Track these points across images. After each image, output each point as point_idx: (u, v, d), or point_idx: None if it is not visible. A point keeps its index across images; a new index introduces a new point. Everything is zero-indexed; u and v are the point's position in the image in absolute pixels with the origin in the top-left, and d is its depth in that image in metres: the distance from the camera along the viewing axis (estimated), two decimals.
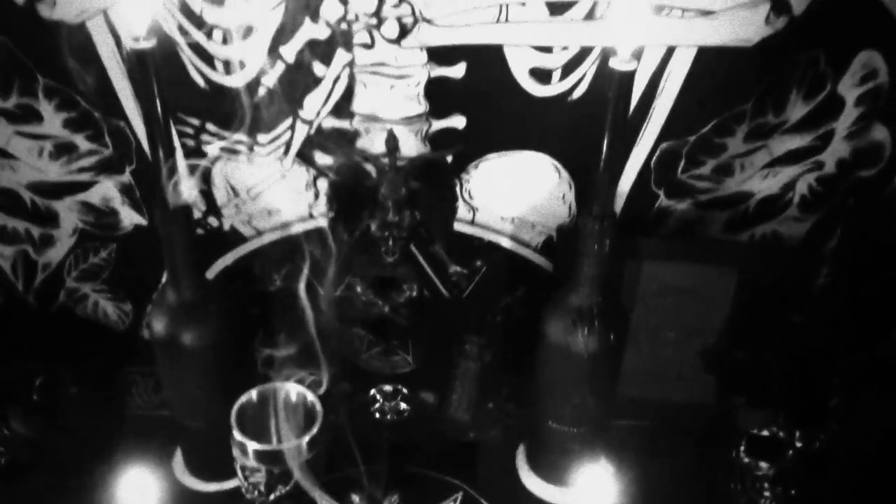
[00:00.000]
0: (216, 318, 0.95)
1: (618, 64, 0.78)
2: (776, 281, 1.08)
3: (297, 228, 1.11)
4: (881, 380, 1.03)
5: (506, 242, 1.13)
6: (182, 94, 0.99)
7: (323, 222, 1.09)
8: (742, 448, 1.01)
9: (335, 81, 0.99)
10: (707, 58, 0.98)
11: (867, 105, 1.05)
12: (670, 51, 0.98)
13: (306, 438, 0.84)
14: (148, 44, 0.78)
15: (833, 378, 1.03)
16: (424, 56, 0.98)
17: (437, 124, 1.02)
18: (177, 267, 0.93)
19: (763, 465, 0.99)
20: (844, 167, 1.09)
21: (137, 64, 0.81)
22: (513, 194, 1.10)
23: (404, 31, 0.96)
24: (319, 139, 1.03)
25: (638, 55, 0.79)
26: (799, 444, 0.98)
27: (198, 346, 0.93)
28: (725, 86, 1.01)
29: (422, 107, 1.01)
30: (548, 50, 0.98)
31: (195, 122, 1.03)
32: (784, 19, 0.96)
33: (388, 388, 1.06)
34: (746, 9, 0.95)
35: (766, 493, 0.98)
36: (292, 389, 0.89)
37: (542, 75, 0.99)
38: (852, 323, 1.14)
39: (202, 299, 0.94)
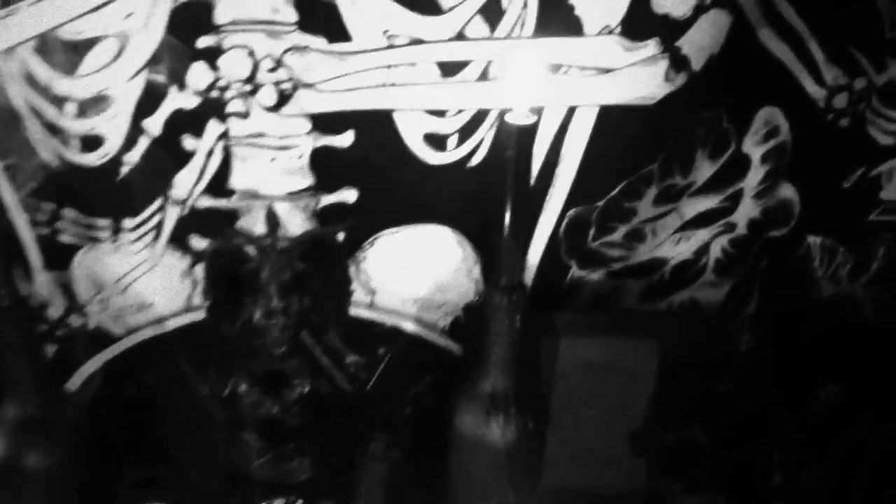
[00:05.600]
0: (71, 436, 0.82)
1: (515, 118, 0.73)
2: (698, 350, 1.05)
3: (174, 323, 1.01)
4: (820, 450, 0.98)
5: (409, 326, 1.06)
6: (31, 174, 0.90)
7: (202, 314, 0.99)
8: None
9: (209, 155, 0.92)
10: (610, 117, 0.95)
11: (772, 162, 1.04)
12: (571, 111, 0.95)
13: None
14: None
15: (773, 454, 0.98)
16: (308, 124, 0.91)
17: (327, 199, 0.96)
18: (19, 378, 0.80)
19: None
20: (756, 227, 1.08)
21: None
22: (414, 272, 1.03)
23: (283, 98, 0.89)
24: (194, 221, 0.94)
25: (536, 111, 0.74)
26: None
27: (44, 470, 0.80)
28: (630, 146, 0.98)
29: (308, 180, 0.94)
30: (441, 114, 0.93)
31: (49, 206, 0.93)
32: (684, 76, 0.95)
33: (279, 501, 0.95)
34: (646, 65, 0.94)
35: None
36: None
37: (437, 141, 0.94)
38: (778, 388, 1.10)
39: (54, 414, 0.82)
